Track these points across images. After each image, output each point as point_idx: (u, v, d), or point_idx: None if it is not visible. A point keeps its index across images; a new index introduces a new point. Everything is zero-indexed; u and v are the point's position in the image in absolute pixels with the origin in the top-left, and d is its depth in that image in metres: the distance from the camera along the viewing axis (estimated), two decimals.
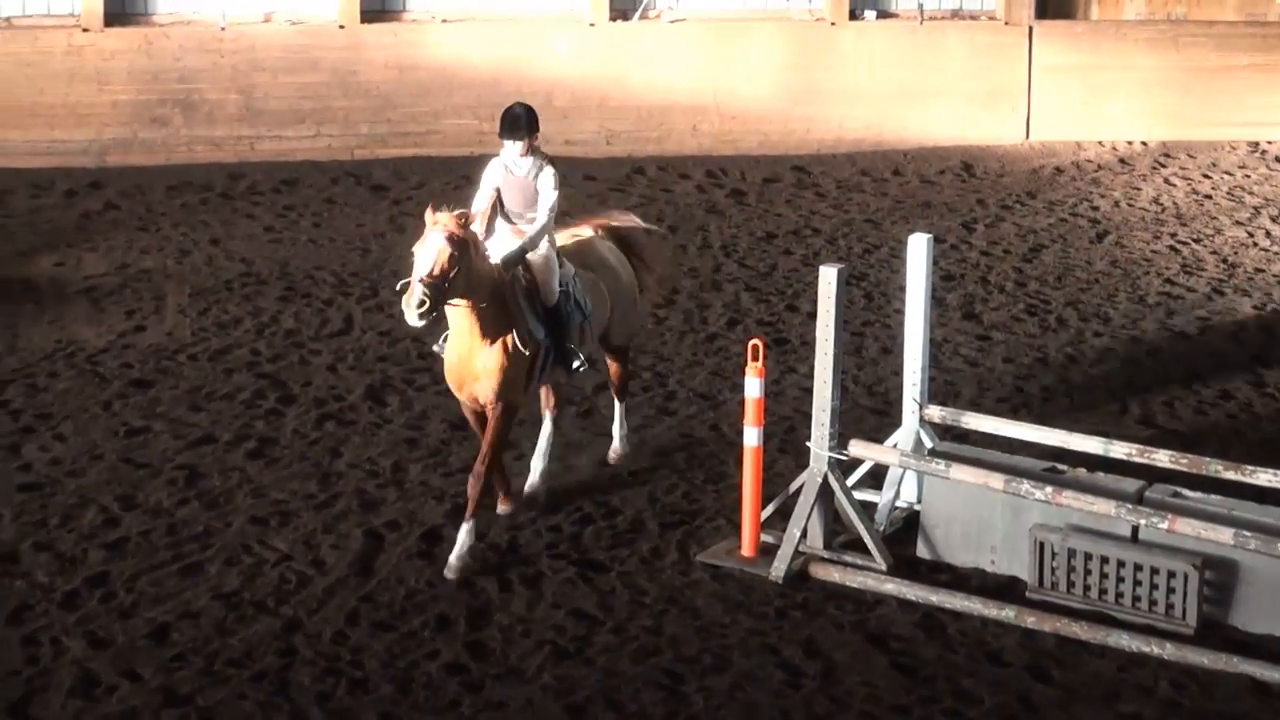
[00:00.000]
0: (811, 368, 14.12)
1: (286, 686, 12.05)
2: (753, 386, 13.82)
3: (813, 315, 14.63)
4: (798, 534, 13.55)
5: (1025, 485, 13.12)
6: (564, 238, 14.89)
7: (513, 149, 13.96)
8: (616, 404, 15.56)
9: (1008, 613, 12.99)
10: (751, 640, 12.67)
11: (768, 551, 13.73)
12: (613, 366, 15.45)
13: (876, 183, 25.28)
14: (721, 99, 26.24)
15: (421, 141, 25.38)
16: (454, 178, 23.35)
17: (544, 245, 14.04)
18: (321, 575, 13.48)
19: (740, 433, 14.25)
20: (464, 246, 13.10)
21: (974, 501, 13.68)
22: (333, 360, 18.03)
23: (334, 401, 16.95)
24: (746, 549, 13.82)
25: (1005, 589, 13.52)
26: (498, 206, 14.08)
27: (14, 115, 24.24)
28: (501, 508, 14.45)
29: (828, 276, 13.48)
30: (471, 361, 13.71)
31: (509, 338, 13.65)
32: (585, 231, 15.38)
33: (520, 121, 13.94)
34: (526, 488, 14.71)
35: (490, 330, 13.59)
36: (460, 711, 11.72)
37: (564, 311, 14.09)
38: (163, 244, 21.56)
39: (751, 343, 14.03)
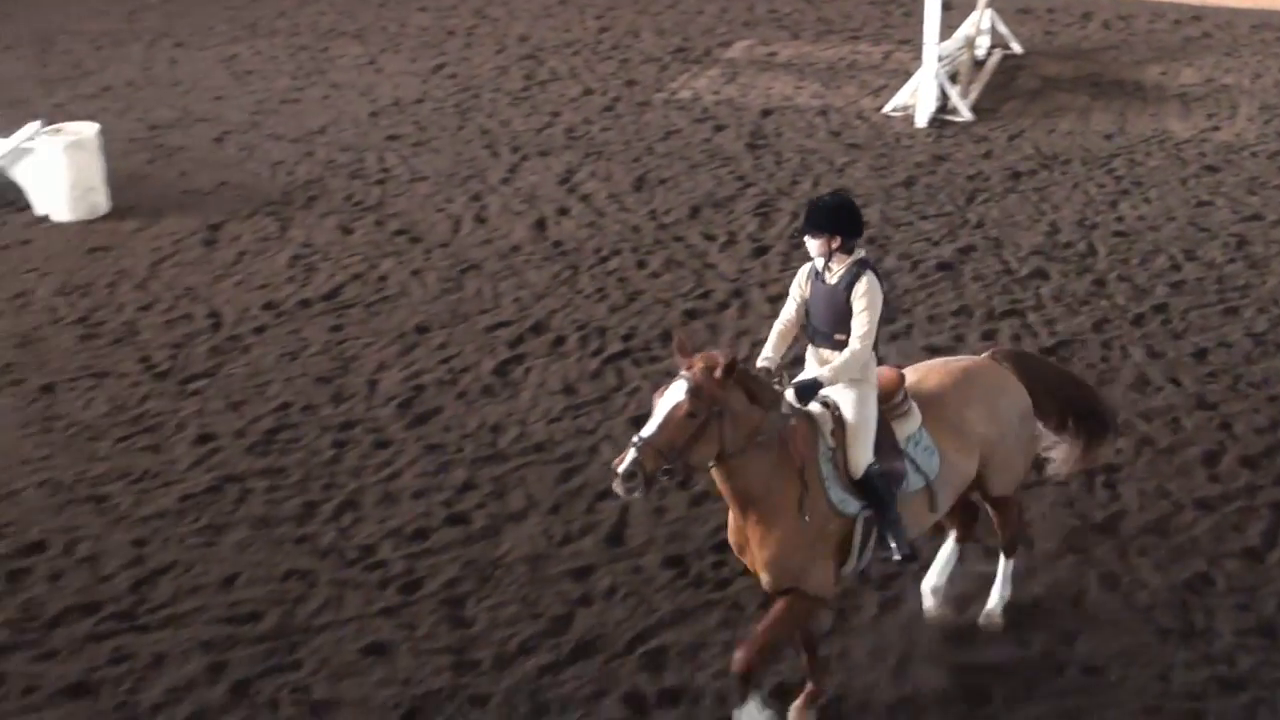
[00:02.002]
0: None
1: None
2: None
3: None
4: None
5: None
6: (928, 368, 9.14)
7: (813, 248, 8.38)
8: (1001, 559, 9.68)
9: None
10: None
11: None
12: (994, 517, 9.55)
13: None
14: None
15: None
16: None
17: (856, 393, 8.36)
18: None
19: None
20: (714, 409, 7.82)
21: None
22: None
23: None
24: None
25: None
26: (805, 325, 8.58)
27: None
28: (795, 715, 8.79)
29: None
30: (749, 530, 8.30)
31: (800, 510, 8.18)
32: (975, 358, 9.43)
33: (822, 215, 8.32)
34: (927, 606, 9.68)
35: (769, 497, 8.14)
36: None
37: (882, 482, 8.40)
38: (1241, 67, 21.35)
39: None
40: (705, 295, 14.13)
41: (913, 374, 8.94)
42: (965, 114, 18.95)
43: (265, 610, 9.89)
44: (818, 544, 8.25)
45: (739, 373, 7.93)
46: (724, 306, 13.90)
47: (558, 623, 9.69)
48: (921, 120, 18.78)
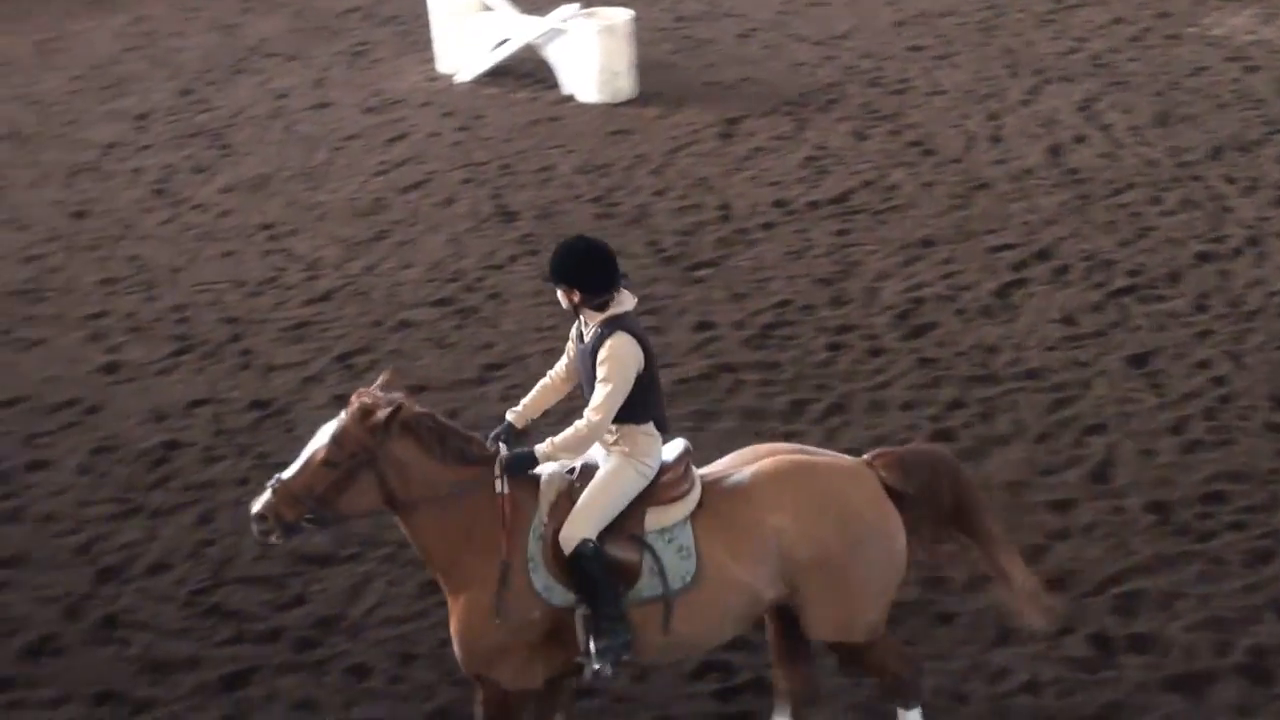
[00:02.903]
0: None
1: None
2: None
3: None
4: None
5: None
6: (756, 453, 7.37)
7: (561, 299, 7.14)
8: (900, 713, 7.67)
9: None
10: None
11: None
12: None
13: None
14: None
15: None
16: None
17: (615, 464, 7.02)
18: None
19: None
20: (359, 458, 6.80)
21: None
22: None
23: None
24: None
25: None
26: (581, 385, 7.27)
27: None
28: None
29: None
30: (447, 597, 7.22)
31: (484, 589, 6.94)
32: (838, 458, 7.48)
33: (559, 264, 7.08)
34: None
35: (455, 566, 7.01)
36: None
37: (597, 567, 6.91)
38: None
39: None
40: (1219, 239, 13.43)
41: (734, 458, 7.38)
42: None
43: None
44: (513, 632, 6.97)
45: (409, 421, 6.85)
46: (1238, 253, 13.19)
47: (1033, 552, 9.38)
48: None
